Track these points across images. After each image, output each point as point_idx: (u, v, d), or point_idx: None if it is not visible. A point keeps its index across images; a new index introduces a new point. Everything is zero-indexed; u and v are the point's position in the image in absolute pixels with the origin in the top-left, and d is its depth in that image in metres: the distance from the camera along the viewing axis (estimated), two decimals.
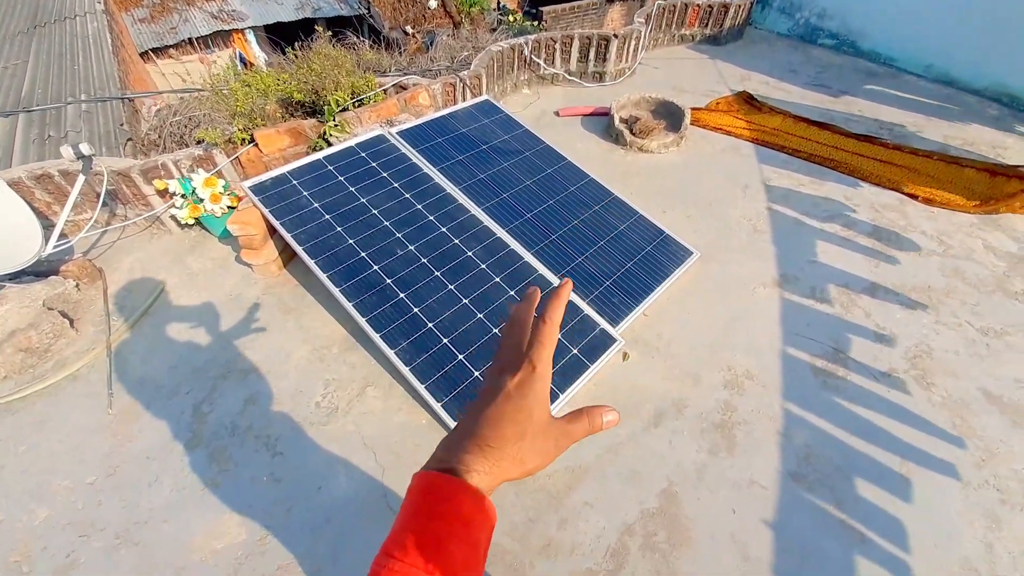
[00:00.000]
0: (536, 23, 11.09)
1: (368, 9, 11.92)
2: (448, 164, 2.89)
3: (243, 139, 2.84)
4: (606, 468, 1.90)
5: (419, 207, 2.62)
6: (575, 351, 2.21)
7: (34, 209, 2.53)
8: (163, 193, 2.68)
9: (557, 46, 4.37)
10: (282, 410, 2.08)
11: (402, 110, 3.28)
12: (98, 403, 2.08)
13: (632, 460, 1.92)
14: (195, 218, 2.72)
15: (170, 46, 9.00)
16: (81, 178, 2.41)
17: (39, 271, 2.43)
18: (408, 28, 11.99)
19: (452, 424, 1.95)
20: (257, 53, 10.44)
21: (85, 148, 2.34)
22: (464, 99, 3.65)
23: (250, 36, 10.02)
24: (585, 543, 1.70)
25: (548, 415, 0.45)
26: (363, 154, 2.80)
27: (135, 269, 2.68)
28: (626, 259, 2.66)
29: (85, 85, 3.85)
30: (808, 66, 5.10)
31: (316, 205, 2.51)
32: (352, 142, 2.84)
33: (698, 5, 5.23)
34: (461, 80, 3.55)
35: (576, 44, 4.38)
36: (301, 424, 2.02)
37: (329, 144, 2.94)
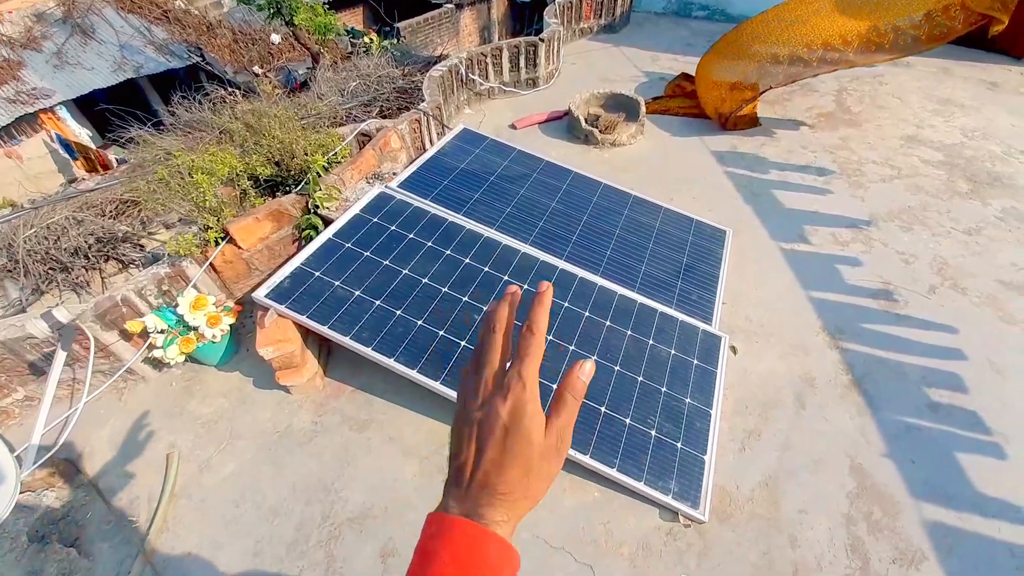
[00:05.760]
0: (396, 40, 10.71)
1: (202, 56, 10.50)
2: (469, 206, 2.61)
3: (216, 238, 2.26)
4: (792, 466, 1.87)
5: (468, 261, 2.33)
6: (695, 361, 2.14)
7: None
8: (136, 336, 2.03)
9: (488, 60, 4.22)
10: None
11: (380, 160, 2.89)
12: None
13: (808, 449, 1.92)
14: (186, 353, 2.11)
15: None
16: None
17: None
18: (256, 69, 10.83)
19: (630, 482, 1.75)
20: (77, 130, 8.60)
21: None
22: (430, 133, 3.35)
23: (63, 113, 8.21)
24: (825, 552, 1.65)
25: (543, 432, 0.42)
26: (375, 219, 2.41)
27: (118, 445, 2.00)
28: (679, 254, 2.65)
29: None
30: (698, 38, 5.60)
31: (358, 292, 2.10)
32: (355, 209, 2.43)
33: None
34: (425, 114, 3.24)
35: (506, 54, 4.27)
36: None
37: (322, 217, 2.48)
